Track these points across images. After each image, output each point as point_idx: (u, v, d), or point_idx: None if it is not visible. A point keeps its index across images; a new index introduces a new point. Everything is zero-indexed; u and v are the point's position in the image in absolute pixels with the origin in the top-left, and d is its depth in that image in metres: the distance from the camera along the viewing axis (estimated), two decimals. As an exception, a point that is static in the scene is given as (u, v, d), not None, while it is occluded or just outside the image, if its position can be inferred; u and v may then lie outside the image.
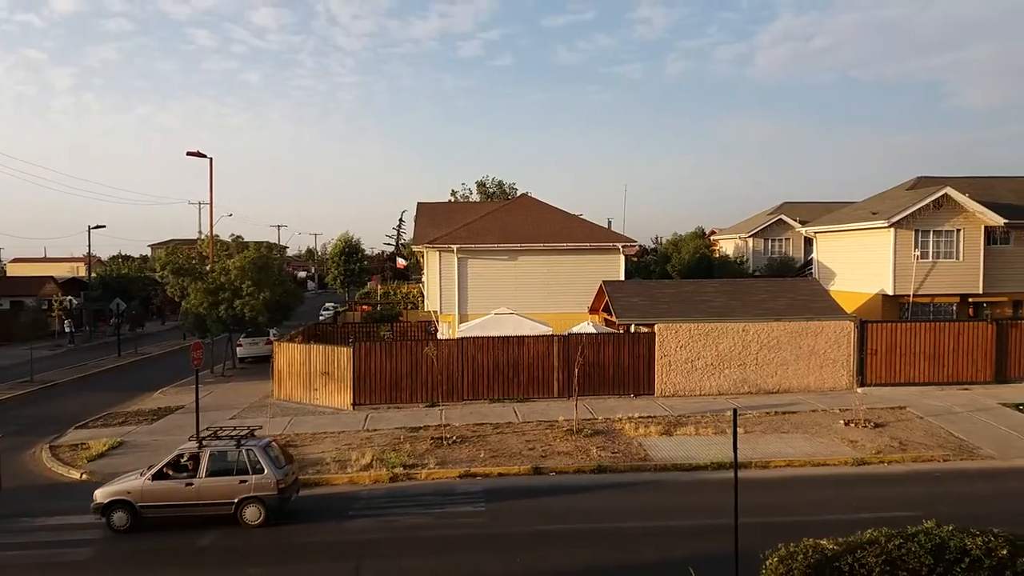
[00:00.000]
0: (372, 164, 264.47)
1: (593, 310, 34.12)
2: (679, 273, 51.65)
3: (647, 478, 19.07)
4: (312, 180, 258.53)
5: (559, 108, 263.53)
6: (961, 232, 33.37)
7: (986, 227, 33.34)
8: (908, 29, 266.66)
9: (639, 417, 24.17)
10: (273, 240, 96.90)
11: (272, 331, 40.58)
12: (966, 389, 27.33)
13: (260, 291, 34.95)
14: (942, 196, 33.13)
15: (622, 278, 35.49)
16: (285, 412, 27.00)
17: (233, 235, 47.85)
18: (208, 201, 42.83)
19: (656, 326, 27.80)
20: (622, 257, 36.14)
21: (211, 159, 41.10)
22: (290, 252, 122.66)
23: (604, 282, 32.12)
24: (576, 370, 25.92)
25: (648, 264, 58.17)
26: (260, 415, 26.35)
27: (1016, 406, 24.64)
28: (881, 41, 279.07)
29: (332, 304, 70.10)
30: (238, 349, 40.04)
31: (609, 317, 31.24)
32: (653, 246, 71.64)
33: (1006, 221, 33.01)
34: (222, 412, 27.19)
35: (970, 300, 34.03)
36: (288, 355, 29.43)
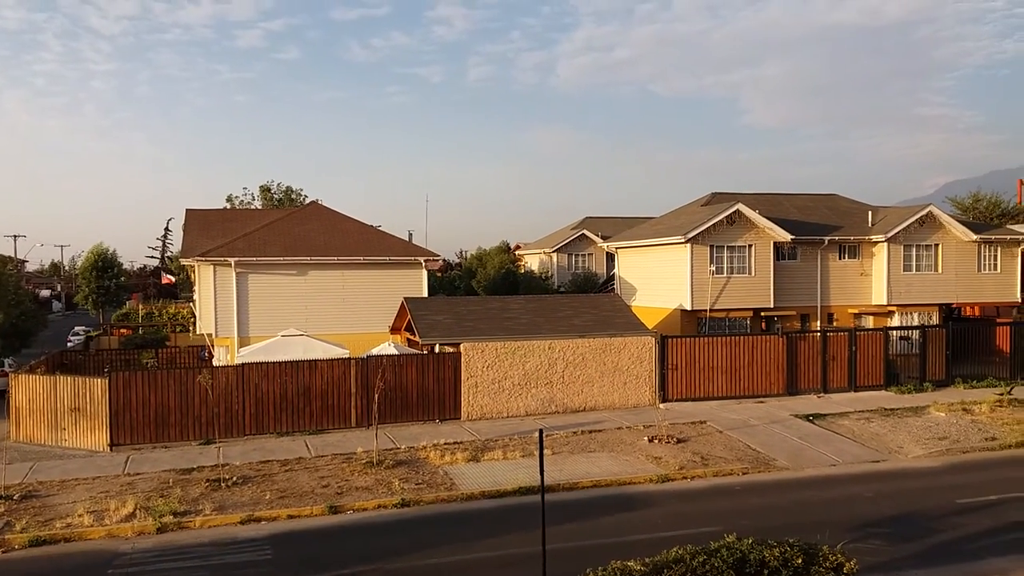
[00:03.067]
0: (133, 165, 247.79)
1: (395, 329, 34.00)
2: (485, 289, 52.80)
3: (454, 509, 19.24)
4: (58, 182, 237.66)
5: (354, 109, 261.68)
6: (753, 247, 36.84)
7: (775, 243, 37.06)
8: (705, 45, 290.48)
9: (445, 444, 24.35)
10: (8, 253, 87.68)
11: (7, 360, 36.76)
12: (761, 402, 30.14)
13: (-10, 313, 31.52)
14: (734, 212, 36.42)
15: (425, 294, 35.68)
16: (26, 457, 24.44)
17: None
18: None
19: (462, 345, 28.20)
20: (425, 272, 36.35)
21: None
22: (30, 267, 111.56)
23: (406, 299, 32.14)
24: (376, 396, 25.67)
25: (453, 280, 58.96)
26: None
27: (806, 417, 27.51)
28: (679, 55, 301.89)
29: (83, 328, 64.62)
30: (-39, 384, 35.78)
31: (412, 337, 31.29)
32: (458, 260, 72.74)
33: (792, 237, 36.89)
34: (-61, 462, 24.10)
35: (762, 314, 37.62)
36: (28, 388, 26.72)
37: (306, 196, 72.64)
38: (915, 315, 39.58)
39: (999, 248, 40.31)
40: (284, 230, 37.36)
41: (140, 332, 52.18)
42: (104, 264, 70.00)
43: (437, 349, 29.04)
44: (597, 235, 59.77)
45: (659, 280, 38.81)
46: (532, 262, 66.41)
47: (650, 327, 32.39)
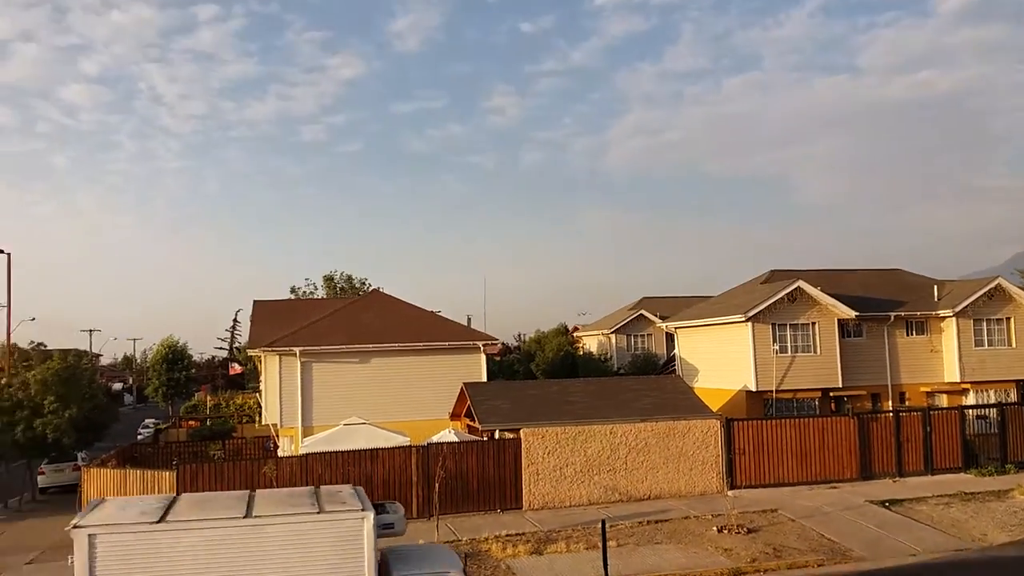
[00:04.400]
0: (202, 258, 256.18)
1: (455, 415, 33.80)
2: (544, 372, 52.41)
3: (517, 605, 18.60)
4: (131, 276, 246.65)
5: (413, 197, 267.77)
6: (816, 325, 35.97)
7: (839, 320, 36.13)
8: (754, 124, 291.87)
9: (507, 535, 23.75)
10: (83, 347, 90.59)
11: (81, 454, 37.43)
12: (834, 488, 28.83)
13: (66, 407, 32.31)
14: (795, 289, 35.75)
15: (484, 379, 35.54)
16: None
17: (34, 342, 44.36)
18: (5, 303, 39.71)
19: (522, 431, 27.81)
20: (483, 356, 36.30)
21: (8, 254, 38.38)
22: (104, 361, 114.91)
23: (465, 384, 32.01)
24: (436, 484, 25.33)
25: (511, 363, 58.74)
26: (63, 556, 23.82)
27: (882, 503, 26.19)
28: (729, 135, 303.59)
29: (152, 420, 65.84)
30: (39, 477, 36.54)
31: (472, 423, 31.01)
32: (516, 344, 72.60)
33: (856, 313, 35.94)
34: (16, 556, 24.42)
35: (831, 394, 36.41)
36: (100, 482, 27.08)
37: (369, 284, 73.87)
38: (991, 392, 37.86)
39: (1076, 320, 38.59)
40: (346, 318, 37.85)
41: (208, 423, 52.87)
42: (174, 356, 71.74)
43: (497, 435, 28.69)
44: (655, 315, 59.16)
45: (721, 360, 38.02)
46: (591, 344, 65.92)
47: (714, 410, 31.56)
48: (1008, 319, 38.15)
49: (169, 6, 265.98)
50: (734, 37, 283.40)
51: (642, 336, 62.36)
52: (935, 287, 40.04)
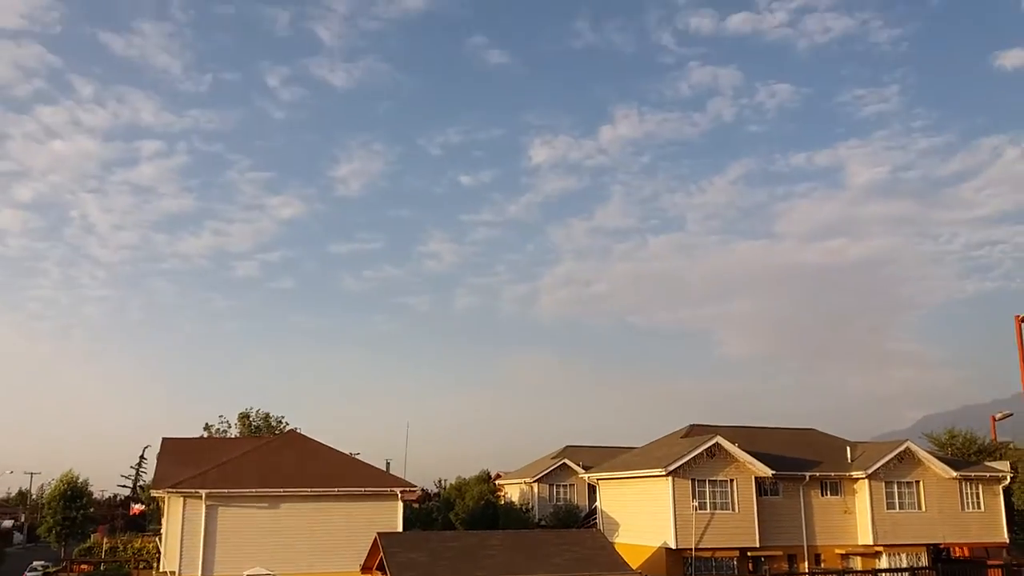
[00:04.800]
0: (115, 390, 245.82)
1: (366, 568, 32.22)
2: (463, 522, 50.84)
3: None
4: (38, 406, 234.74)
5: (341, 336, 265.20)
6: (735, 482, 36.11)
7: (756, 478, 36.37)
8: (678, 281, 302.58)
9: None
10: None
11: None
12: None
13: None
14: (714, 445, 36.07)
15: (400, 528, 34.27)
16: None
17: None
18: None
19: (434, 587, 26.60)
20: (401, 504, 35.14)
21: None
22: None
23: (379, 534, 30.73)
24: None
25: (431, 511, 56.88)
26: None
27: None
28: (654, 290, 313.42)
29: (41, 563, 60.93)
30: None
31: (382, 576, 29.61)
32: (436, 490, 70.66)
33: (773, 472, 36.28)
34: None
35: (748, 554, 36.11)
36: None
37: (286, 423, 71.65)
38: (903, 556, 38.12)
39: (980, 485, 39.71)
40: (259, 459, 36.45)
41: (101, 568, 49.26)
42: (72, 493, 67.35)
43: (410, 591, 27.33)
44: (578, 464, 58.60)
45: (642, 515, 37.58)
46: (513, 492, 64.56)
47: (635, 567, 30.87)
48: (918, 482, 38.99)
49: (114, 139, 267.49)
50: (660, 200, 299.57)
51: (565, 486, 61.39)
52: (848, 448, 40.91)
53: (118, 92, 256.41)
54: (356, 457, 41.25)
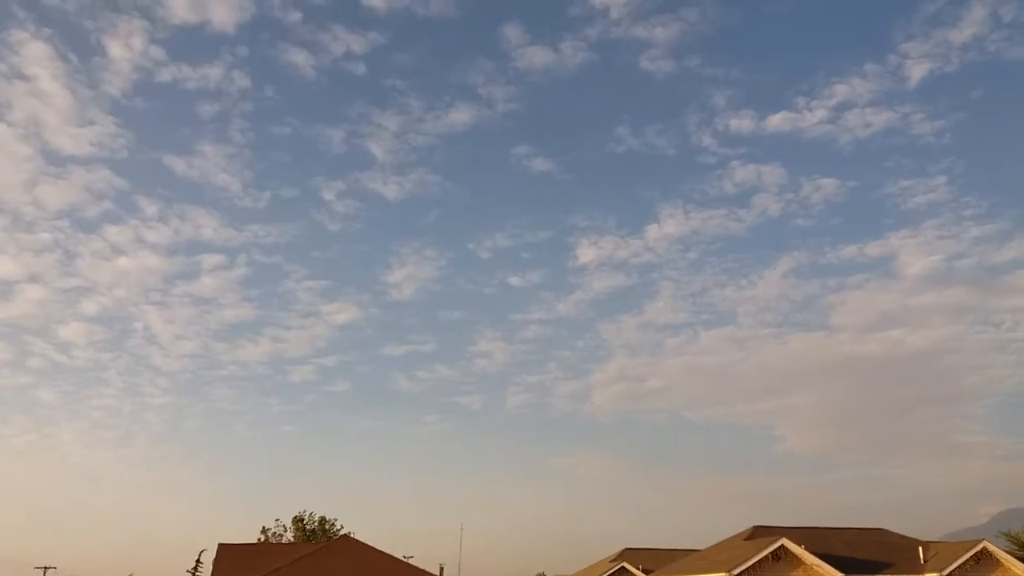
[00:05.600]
0: (175, 495, 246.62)
1: None
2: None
3: None
4: (97, 511, 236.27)
5: (394, 436, 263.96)
6: (802, 586, 34.37)
7: (825, 582, 34.59)
8: (732, 375, 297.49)
9: None
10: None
11: None
12: None
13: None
14: (779, 547, 34.58)
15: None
16: None
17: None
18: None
19: None
20: (454, 612, 34.13)
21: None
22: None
23: (432, 645, 29.82)
24: None
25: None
26: None
27: None
28: (708, 384, 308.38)
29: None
30: None
31: None
32: (490, 595, 68.65)
33: (842, 575, 34.50)
34: None
35: (820, 663, 34.06)
36: None
37: (340, 527, 70.95)
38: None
39: (1068, 588, 37.14)
40: (312, 566, 35.91)
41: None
42: (129, 599, 67.08)
43: None
44: (638, 567, 56.46)
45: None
46: (570, 598, 62.31)
47: None
48: (998, 584, 36.68)
49: (177, 253, 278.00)
50: (710, 294, 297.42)
51: (624, 590, 59.06)
52: (920, 548, 38.82)
53: (181, 210, 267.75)
54: (409, 562, 40.43)
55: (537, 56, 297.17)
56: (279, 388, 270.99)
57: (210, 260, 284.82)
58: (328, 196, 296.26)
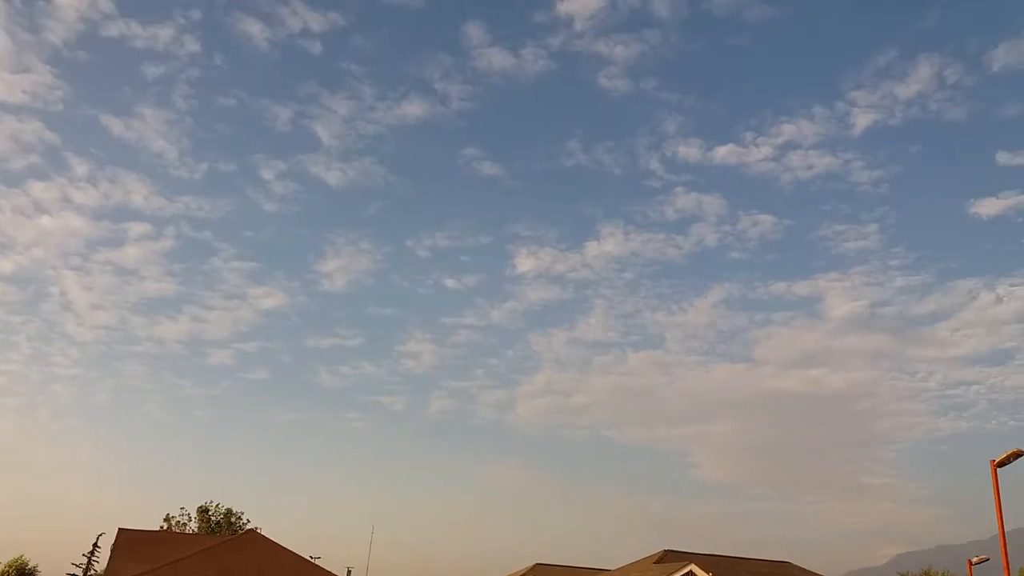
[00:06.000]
0: (76, 473, 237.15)
1: None
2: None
3: None
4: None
5: (312, 431, 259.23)
6: (707, 614, 34.66)
7: (729, 610, 34.99)
8: (657, 399, 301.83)
9: None
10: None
11: None
12: None
13: None
14: (688, 573, 34.81)
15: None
16: None
17: None
18: None
19: None
20: (357, 616, 33.45)
21: None
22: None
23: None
24: None
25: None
26: None
27: None
28: (633, 406, 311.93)
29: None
30: None
31: None
32: (396, 602, 67.71)
33: (747, 605, 34.95)
34: None
35: None
36: None
37: (247, 521, 69.14)
38: None
39: (958, 632, 38.31)
40: (215, 559, 34.88)
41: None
42: (20, 579, 64.17)
43: None
44: (546, 585, 56.42)
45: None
46: (476, 611, 61.88)
47: None
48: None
49: (103, 218, 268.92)
50: (642, 316, 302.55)
51: (532, 605, 58.84)
52: (823, 584, 39.62)
53: (112, 173, 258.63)
54: (316, 563, 39.57)
55: (497, 58, 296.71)
56: (195, 370, 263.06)
57: (137, 229, 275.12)
58: (267, 175, 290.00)
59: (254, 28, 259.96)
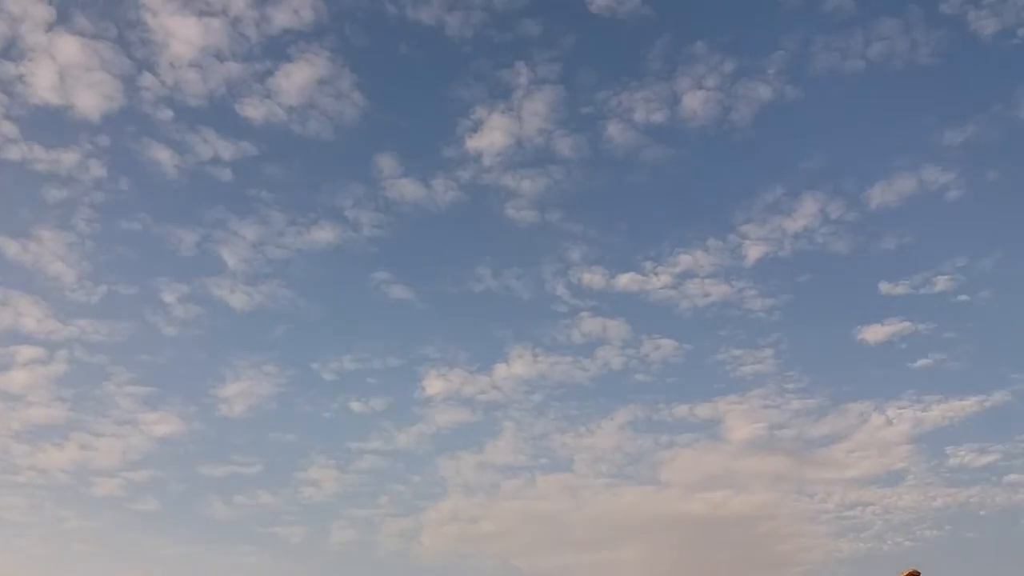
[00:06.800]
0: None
1: None
2: None
3: None
4: None
5: (201, 567, 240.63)
6: None
7: None
8: (565, 524, 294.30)
9: None
10: None
11: None
12: None
13: None
14: None
15: None
16: None
17: None
18: None
19: None
20: None
21: None
22: None
23: None
24: None
25: None
26: None
27: None
28: (541, 532, 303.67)
29: None
30: None
31: None
32: None
33: None
34: None
35: None
36: None
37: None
38: None
39: None
40: None
41: None
42: None
43: None
44: None
45: None
46: None
47: None
48: None
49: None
50: (550, 439, 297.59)
51: None
52: None
53: (4, 295, 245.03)
54: None
55: (408, 189, 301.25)
56: (79, 501, 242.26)
57: (26, 352, 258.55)
58: (168, 298, 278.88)
59: (163, 155, 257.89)
